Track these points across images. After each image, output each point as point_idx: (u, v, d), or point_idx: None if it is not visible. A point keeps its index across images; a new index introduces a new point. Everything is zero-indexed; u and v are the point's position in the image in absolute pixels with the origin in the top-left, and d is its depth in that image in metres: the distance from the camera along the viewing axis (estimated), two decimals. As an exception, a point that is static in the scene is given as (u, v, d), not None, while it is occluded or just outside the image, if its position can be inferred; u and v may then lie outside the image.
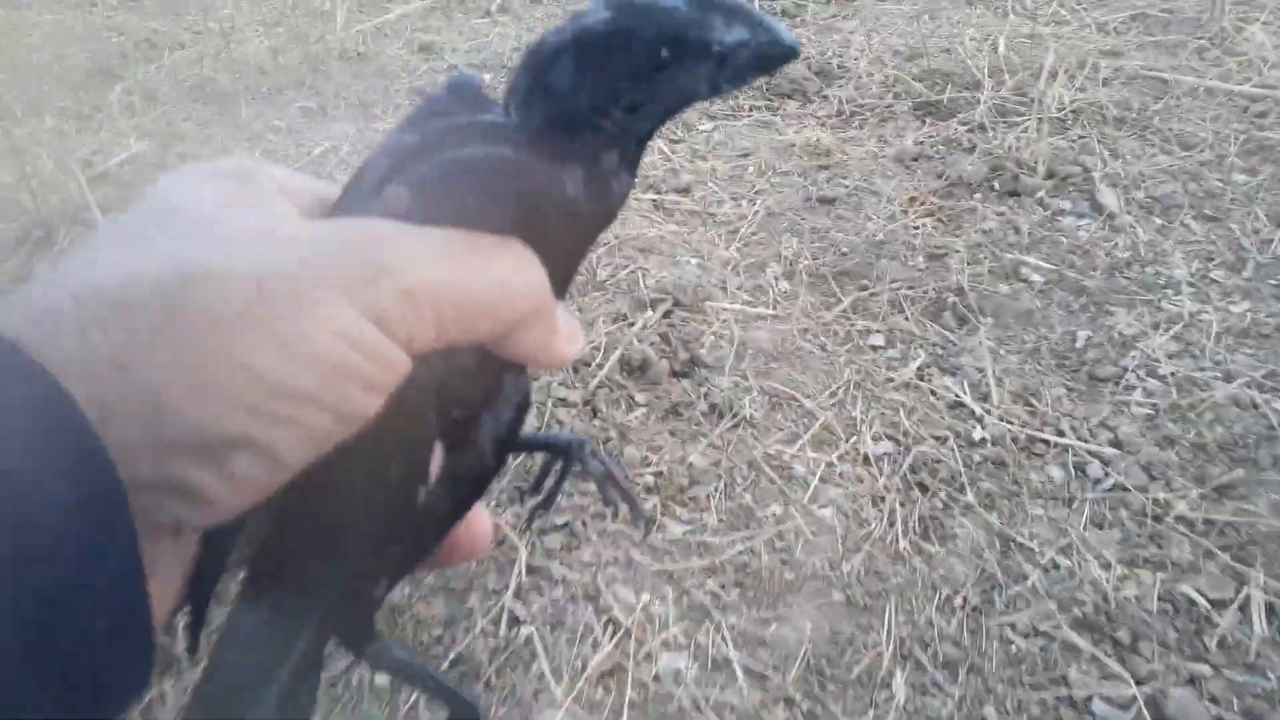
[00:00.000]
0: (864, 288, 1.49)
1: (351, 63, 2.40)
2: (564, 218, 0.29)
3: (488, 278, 0.26)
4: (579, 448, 0.42)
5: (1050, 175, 1.75)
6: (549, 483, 0.43)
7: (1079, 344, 1.36)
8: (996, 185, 1.76)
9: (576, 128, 0.29)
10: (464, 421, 0.31)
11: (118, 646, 0.22)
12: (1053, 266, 1.51)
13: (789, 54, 0.29)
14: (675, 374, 1.28)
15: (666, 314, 1.40)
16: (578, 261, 0.32)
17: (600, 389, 1.23)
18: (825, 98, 2.16)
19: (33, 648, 0.19)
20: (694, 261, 1.55)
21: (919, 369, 1.31)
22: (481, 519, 0.34)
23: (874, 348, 1.36)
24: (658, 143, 1.83)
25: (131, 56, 2.41)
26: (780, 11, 2.65)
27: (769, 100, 2.17)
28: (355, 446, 0.25)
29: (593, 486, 0.52)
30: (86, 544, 0.20)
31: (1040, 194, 1.70)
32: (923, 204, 1.73)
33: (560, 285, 0.30)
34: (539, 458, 0.49)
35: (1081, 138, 1.87)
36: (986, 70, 2.12)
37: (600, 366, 1.26)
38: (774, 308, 1.44)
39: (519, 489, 1.01)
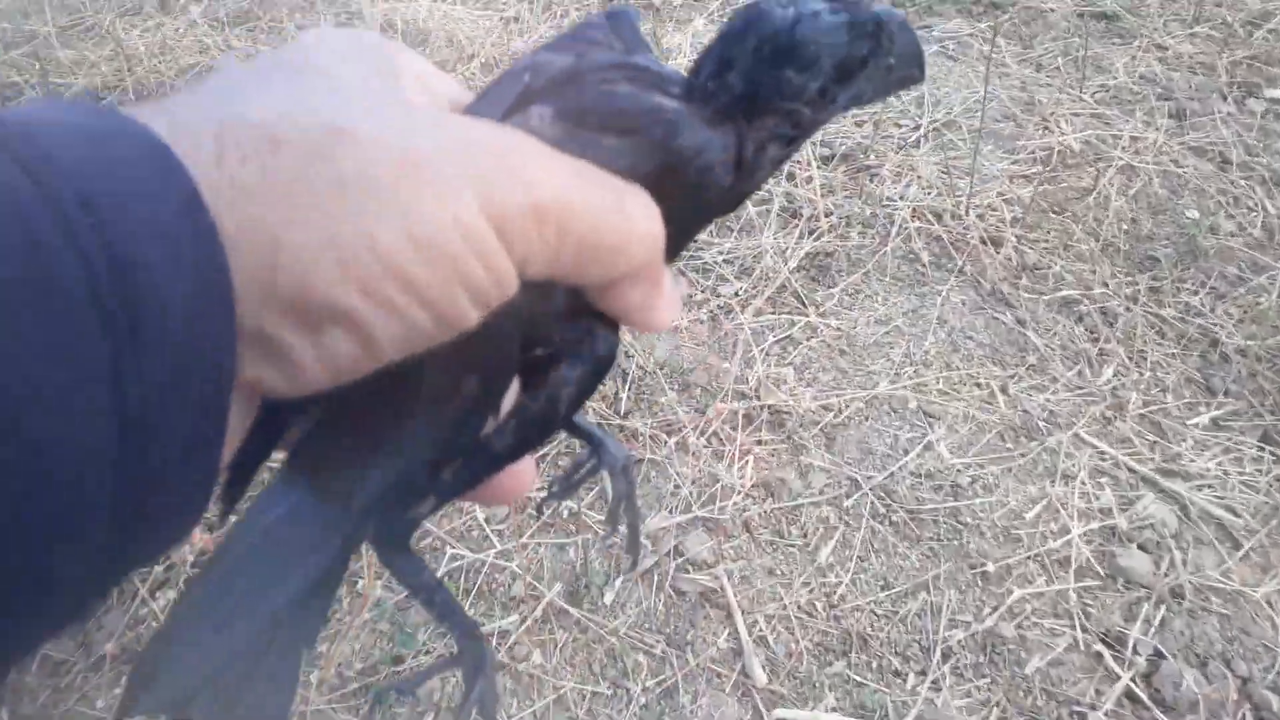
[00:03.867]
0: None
1: None
2: (700, 188, 0.29)
3: (615, 217, 0.26)
4: (615, 459, 0.42)
5: None
6: (578, 475, 0.44)
7: None
8: None
9: (759, 107, 0.28)
10: (545, 363, 0.30)
11: (191, 467, 0.20)
12: None
13: (919, 79, 0.32)
14: None
15: None
16: (696, 233, 0.31)
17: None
18: None
19: (119, 431, 0.18)
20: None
21: None
22: (527, 467, 0.33)
23: None
24: None
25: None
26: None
27: None
28: (436, 356, 0.24)
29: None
30: (196, 346, 0.19)
31: None
32: None
33: (673, 251, 0.29)
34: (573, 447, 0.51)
35: None
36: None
37: None
38: None
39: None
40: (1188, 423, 2.07)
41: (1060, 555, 1.79)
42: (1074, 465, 1.95)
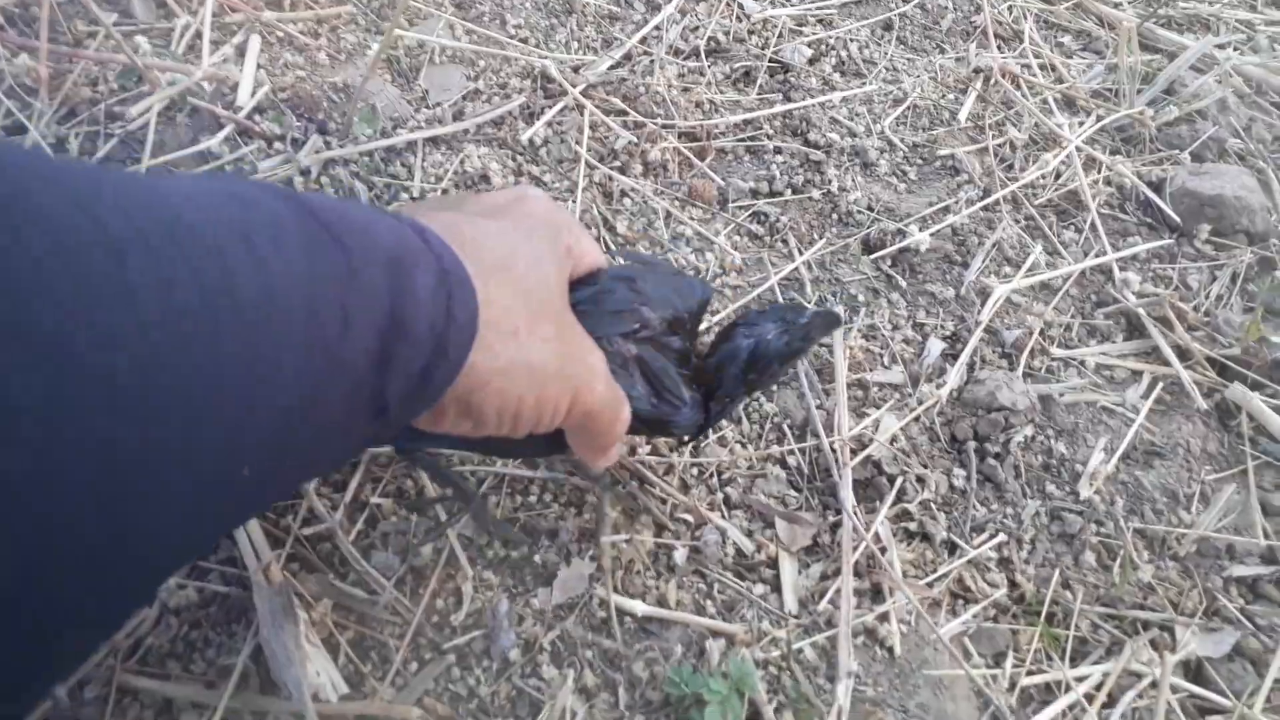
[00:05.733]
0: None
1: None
2: (668, 430, 0.49)
3: (615, 422, 0.45)
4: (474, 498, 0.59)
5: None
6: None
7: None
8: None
9: (728, 397, 0.49)
10: (534, 444, 0.46)
11: (412, 411, 0.36)
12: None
13: (839, 325, 0.54)
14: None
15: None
16: (640, 439, 0.57)
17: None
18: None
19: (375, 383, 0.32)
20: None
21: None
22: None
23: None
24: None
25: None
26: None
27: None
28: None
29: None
30: (445, 379, 0.35)
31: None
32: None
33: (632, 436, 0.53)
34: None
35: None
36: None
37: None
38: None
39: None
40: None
41: (1061, 202, 0.78)
42: (1006, 9, 0.91)
